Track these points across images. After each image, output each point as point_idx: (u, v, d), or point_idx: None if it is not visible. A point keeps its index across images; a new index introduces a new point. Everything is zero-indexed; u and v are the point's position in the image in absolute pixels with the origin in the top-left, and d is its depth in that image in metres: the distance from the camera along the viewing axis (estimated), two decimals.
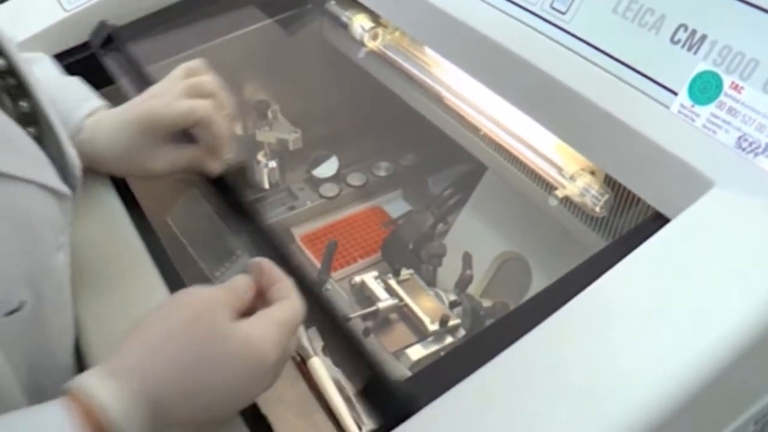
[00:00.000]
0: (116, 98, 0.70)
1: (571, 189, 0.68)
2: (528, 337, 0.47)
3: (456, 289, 0.88)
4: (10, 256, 0.41)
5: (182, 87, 0.62)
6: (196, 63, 0.66)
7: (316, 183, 1.19)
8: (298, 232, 1.15)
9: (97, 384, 0.39)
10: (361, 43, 0.92)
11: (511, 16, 0.68)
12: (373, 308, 0.79)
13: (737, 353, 0.47)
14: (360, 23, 0.91)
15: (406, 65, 0.87)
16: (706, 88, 0.54)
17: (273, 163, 1.16)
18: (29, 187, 0.44)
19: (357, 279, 0.84)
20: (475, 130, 0.81)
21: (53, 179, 0.46)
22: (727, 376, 0.47)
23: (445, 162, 1.17)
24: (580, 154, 0.66)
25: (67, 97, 0.65)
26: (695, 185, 0.53)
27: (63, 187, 0.47)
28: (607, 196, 0.66)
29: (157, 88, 0.65)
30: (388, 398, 0.44)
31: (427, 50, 0.86)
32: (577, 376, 0.45)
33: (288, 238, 1.13)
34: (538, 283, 0.91)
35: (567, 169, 0.69)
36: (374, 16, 0.91)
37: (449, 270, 0.93)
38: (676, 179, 0.55)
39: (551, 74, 0.63)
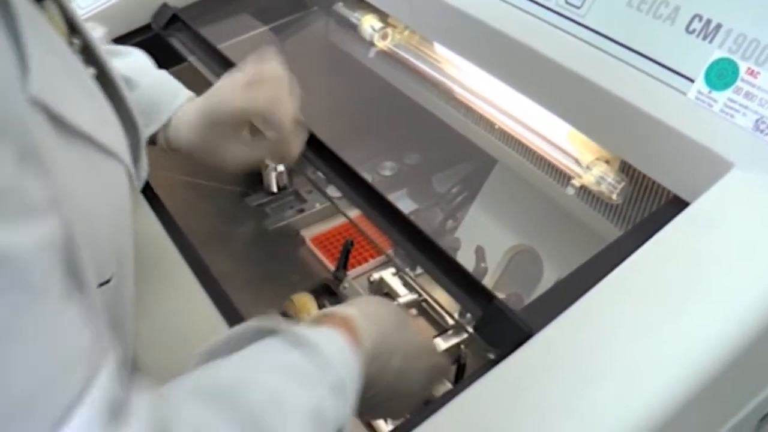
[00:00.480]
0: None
1: (588, 178, 0.70)
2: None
3: None
4: (109, 229, 0.44)
5: (243, 80, 0.64)
6: (265, 51, 0.66)
7: (323, 185, 1.20)
8: (308, 235, 1.16)
9: (345, 309, 0.51)
10: (371, 44, 0.93)
11: (526, 12, 0.70)
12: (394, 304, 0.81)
13: (763, 328, 0.49)
14: (370, 23, 0.92)
15: (417, 63, 0.88)
16: (722, 75, 0.56)
17: (281, 167, 1.17)
18: (125, 172, 0.47)
19: (375, 276, 0.86)
20: (487, 124, 0.83)
21: (134, 171, 0.50)
22: (754, 350, 0.49)
23: (448, 161, 1.19)
24: (598, 144, 0.68)
25: (163, 91, 0.69)
26: (715, 168, 0.56)
27: (137, 181, 0.51)
28: (623, 183, 0.69)
29: (222, 82, 0.67)
30: (508, 325, 0.51)
31: (437, 48, 0.88)
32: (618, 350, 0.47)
33: (299, 241, 1.15)
34: (549, 275, 0.93)
35: (582, 159, 0.71)
36: (383, 17, 0.93)
37: (461, 263, 0.95)
38: (696, 163, 0.57)
39: (568, 66, 0.65)
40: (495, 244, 0.97)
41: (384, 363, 0.50)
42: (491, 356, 0.52)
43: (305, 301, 0.90)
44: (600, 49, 0.64)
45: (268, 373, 0.43)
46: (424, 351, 0.55)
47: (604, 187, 0.69)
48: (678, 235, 0.54)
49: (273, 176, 1.18)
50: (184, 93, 0.70)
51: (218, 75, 0.84)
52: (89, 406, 0.31)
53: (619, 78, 0.62)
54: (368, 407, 0.50)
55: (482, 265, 0.90)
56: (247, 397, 0.40)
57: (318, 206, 1.17)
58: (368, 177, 1.20)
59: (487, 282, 0.97)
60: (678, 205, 0.59)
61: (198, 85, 0.84)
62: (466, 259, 0.94)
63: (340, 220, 1.18)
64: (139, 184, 0.57)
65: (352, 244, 0.93)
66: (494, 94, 0.80)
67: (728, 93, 0.56)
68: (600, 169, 0.70)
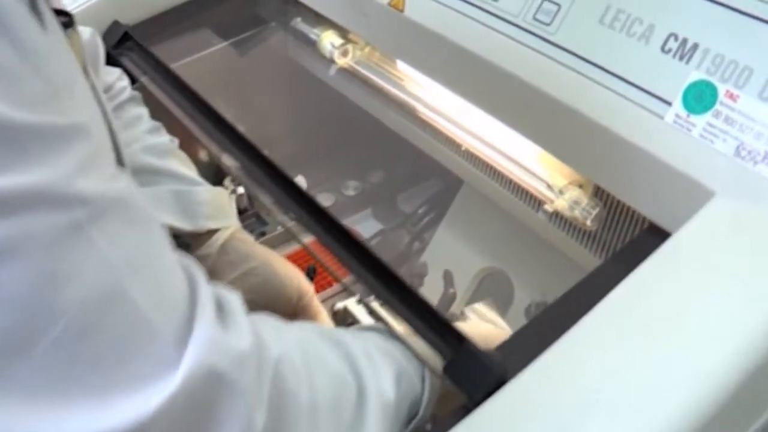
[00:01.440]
0: None
1: (560, 203, 0.67)
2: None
3: (439, 308, 0.86)
4: None
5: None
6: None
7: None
8: None
9: None
10: (331, 60, 0.89)
11: (492, 28, 0.66)
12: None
13: (752, 365, 0.46)
14: (329, 40, 0.88)
15: (379, 81, 0.85)
16: (701, 97, 0.53)
17: (241, 189, 1.13)
18: None
19: (339, 305, 0.81)
20: (453, 144, 0.79)
21: None
22: (745, 386, 0.46)
23: (413, 180, 1.16)
24: (572, 168, 0.65)
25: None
26: (695, 196, 0.52)
27: None
28: (597, 209, 0.65)
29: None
30: (481, 369, 0.47)
31: (400, 66, 0.85)
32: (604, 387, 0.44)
33: None
34: (520, 298, 0.90)
35: (554, 183, 0.68)
36: (343, 33, 0.89)
37: (429, 288, 0.91)
38: (675, 190, 0.54)
39: (538, 86, 0.62)
40: (464, 267, 0.94)
41: None
42: (463, 403, 0.48)
43: None
44: (571, 69, 0.61)
45: (365, 342, 0.49)
46: None
47: (577, 213, 0.66)
48: (661, 268, 0.51)
49: (233, 199, 1.13)
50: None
51: (171, 96, 0.79)
52: (204, 304, 0.36)
53: (591, 99, 0.59)
54: None
55: (451, 290, 0.86)
56: (347, 342, 0.47)
57: (280, 229, 1.13)
58: (331, 197, 1.17)
59: (457, 306, 0.93)
60: (656, 233, 0.56)
61: (149, 105, 0.79)
62: (433, 283, 0.91)
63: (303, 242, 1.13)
64: None
65: (314, 271, 0.88)
66: (459, 113, 0.76)
67: (707, 117, 0.53)
68: (573, 194, 0.66)
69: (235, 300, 0.40)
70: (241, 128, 1.09)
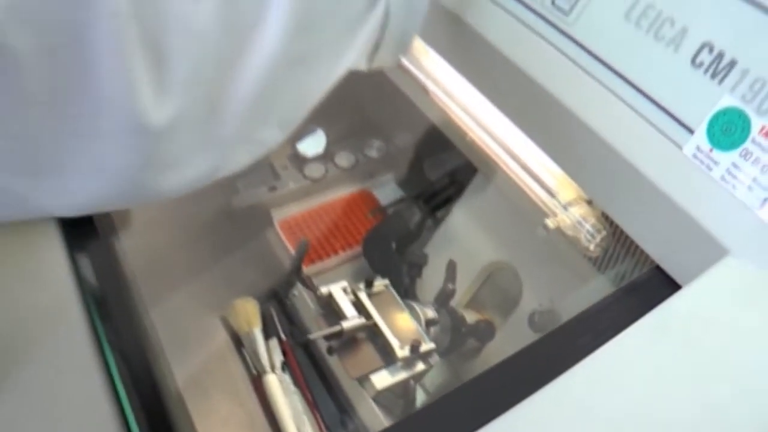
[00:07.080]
0: None
1: (564, 219, 0.58)
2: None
3: (435, 303, 0.79)
4: None
5: None
6: None
7: (300, 162, 1.09)
8: (279, 216, 1.06)
9: None
10: None
11: (507, 11, 0.56)
12: (337, 328, 0.70)
13: None
14: None
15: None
16: (729, 130, 0.43)
17: None
18: None
19: (324, 290, 0.75)
20: (463, 132, 0.71)
21: None
22: None
23: (443, 144, 1.07)
24: (574, 182, 0.55)
25: None
26: (705, 250, 0.43)
27: None
28: (603, 233, 0.56)
29: None
30: None
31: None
32: None
33: (266, 222, 1.05)
34: (528, 297, 0.82)
35: (562, 195, 0.59)
36: None
37: (435, 277, 0.84)
38: (682, 238, 0.45)
39: (545, 86, 0.52)
40: (472, 257, 0.86)
41: None
42: None
43: (247, 308, 0.80)
44: (585, 71, 0.50)
45: None
46: None
47: (582, 235, 0.57)
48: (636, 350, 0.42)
49: None
50: None
51: None
52: None
53: (602, 111, 0.49)
54: None
55: (450, 286, 0.78)
56: None
57: (292, 185, 1.07)
58: (351, 158, 1.09)
59: (459, 299, 0.86)
60: (663, 277, 0.47)
61: None
62: (438, 270, 0.83)
63: (315, 202, 1.07)
64: None
65: (307, 246, 0.82)
66: (474, 99, 0.67)
67: (733, 156, 0.43)
68: (579, 212, 0.57)
69: None
70: None
